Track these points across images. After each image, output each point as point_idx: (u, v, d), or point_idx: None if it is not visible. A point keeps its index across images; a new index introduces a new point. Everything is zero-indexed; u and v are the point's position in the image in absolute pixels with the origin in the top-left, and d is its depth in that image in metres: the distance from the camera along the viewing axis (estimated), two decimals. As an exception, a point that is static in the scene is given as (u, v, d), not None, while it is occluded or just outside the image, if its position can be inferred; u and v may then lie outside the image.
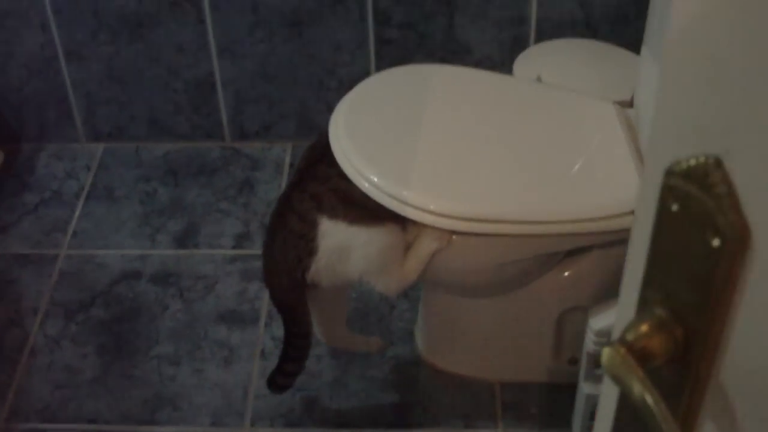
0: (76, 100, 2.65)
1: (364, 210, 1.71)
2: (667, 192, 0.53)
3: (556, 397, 2.05)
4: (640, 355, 0.54)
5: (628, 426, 0.65)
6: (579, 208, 1.71)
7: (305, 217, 1.73)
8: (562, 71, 2.11)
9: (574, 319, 1.96)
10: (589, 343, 1.80)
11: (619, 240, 1.81)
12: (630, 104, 1.96)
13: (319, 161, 1.79)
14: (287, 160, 2.64)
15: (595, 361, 1.83)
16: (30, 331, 2.26)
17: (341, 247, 1.72)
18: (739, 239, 0.49)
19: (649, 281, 0.56)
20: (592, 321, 1.78)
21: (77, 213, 2.54)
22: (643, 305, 0.56)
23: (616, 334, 0.55)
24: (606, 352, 0.53)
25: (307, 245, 1.73)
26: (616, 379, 0.53)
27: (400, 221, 1.73)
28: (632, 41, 2.18)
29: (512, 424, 2.02)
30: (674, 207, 0.53)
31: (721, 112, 0.50)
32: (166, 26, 2.49)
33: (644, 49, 1.92)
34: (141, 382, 2.14)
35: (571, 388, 1.97)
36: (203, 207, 2.52)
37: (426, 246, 1.74)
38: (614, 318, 1.77)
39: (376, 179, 1.70)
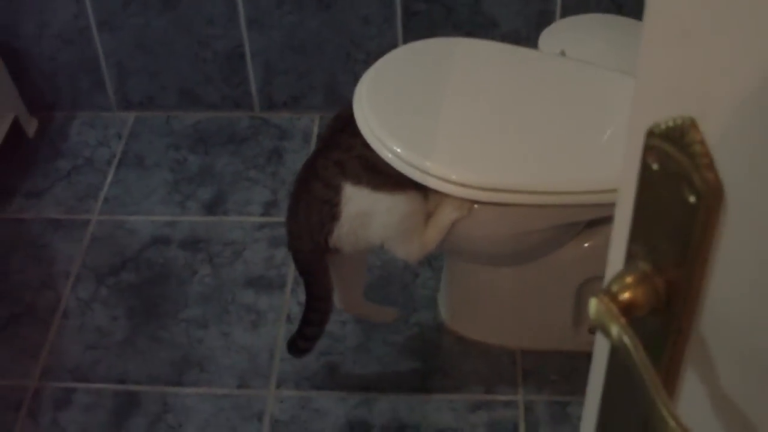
0: (108, 69, 2.70)
1: (387, 177, 1.75)
2: (649, 151, 0.56)
3: (576, 365, 2.08)
4: (625, 306, 0.57)
5: (619, 381, 0.68)
6: (598, 179, 1.74)
7: (329, 183, 1.77)
8: (586, 46, 2.14)
9: (594, 289, 1.99)
10: (607, 311, 1.83)
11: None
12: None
13: (342, 130, 1.83)
14: (315, 130, 2.68)
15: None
16: (62, 293, 2.32)
17: (364, 212, 1.76)
18: (714, 196, 0.53)
19: (634, 236, 0.60)
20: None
21: (109, 179, 2.59)
22: (629, 259, 0.60)
23: (603, 286, 0.59)
24: (592, 302, 0.57)
25: (331, 210, 1.77)
26: (602, 327, 0.57)
27: (422, 189, 1.77)
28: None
29: (532, 391, 2.06)
30: (655, 166, 0.56)
31: (696, 76, 0.53)
32: (196, -3, 2.53)
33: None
34: (169, 344, 2.20)
35: (590, 357, 2.00)
36: (232, 175, 2.57)
37: (447, 215, 1.78)
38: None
39: (398, 150, 1.73)
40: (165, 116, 2.75)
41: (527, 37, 2.48)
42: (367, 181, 1.76)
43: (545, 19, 2.46)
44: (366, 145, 1.77)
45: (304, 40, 2.58)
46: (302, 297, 2.19)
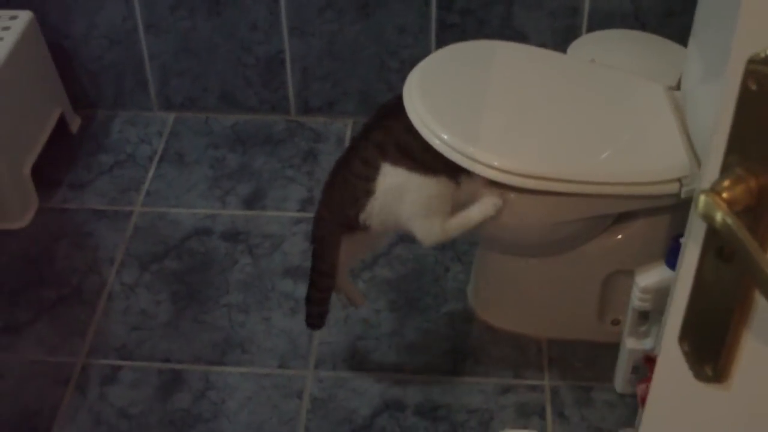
0: (151, 70, 2.83)
1: (421, 163, 1.88)
2: (748, 75, 0.70)
3: (599, 354, 2.21)
4: (725, 202, 0.70)
5: (710, 275, 0.80)
6: (629, 173, 1.88)
7: (368, 162, 1.90)
8: (612, 58, 2.28)
9: (618, 283, 2.12)
10: (635, 299, 1.96)
11: (664, 207, 1.97)
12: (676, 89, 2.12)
13: (385, 117, 1.96)
14: (348, 134, 2.82)
15: (639, 316, 1.99)
16: (107, 278, 2.44)
17: (397, 187, 1.88)
18: (805, 108, 0.66)
19: (731, 148, 0.73)
20: (639, 278, 1.95)
21: (150, 174, 2.72)
22: (726, 166, 0.73)
23: (705, 186, 0.72)
24: (701, 198, 0.70)
25: (366, 185, 1.89)
26: (707, 217, 0.70)
27: (454, 178, 1.90)
28: (677, 34, 2.34)
29: (557, 377, 2.19)
30: (753, 87, 0.69)
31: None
32: (241, 4, 2.66)
33: (692, 41, 2.08)
34: (212, 327, 2.32)
35: (613, 347, 2.13)
36: (270, 173, 2.70)
37: (479, 211, 1.90)
38: (659, 277, 1.91)
39: (446, 137, 1.86)
40: (204, 117, 2.88)
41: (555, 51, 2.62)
42: (404, 164, 1.89)
43: (572, 34, 2.60)
44: (406, 131, 1.89)
45: (342, 48, 2.72)
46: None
